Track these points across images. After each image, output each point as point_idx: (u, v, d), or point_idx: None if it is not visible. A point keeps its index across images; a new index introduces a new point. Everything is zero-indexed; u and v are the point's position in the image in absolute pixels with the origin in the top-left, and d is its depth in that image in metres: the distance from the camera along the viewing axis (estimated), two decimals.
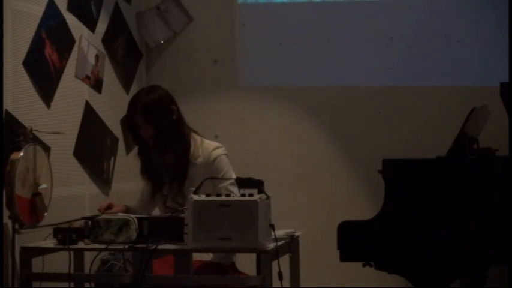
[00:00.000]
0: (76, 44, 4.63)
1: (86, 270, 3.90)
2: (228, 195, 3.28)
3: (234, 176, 3.84)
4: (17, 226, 3.72)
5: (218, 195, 3.28)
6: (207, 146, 3.91)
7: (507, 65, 4.90)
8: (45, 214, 3.85)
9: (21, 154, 3.64)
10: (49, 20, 4.32)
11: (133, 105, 3.88)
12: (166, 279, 3.45)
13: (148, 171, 3.95)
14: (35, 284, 3.60)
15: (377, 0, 5.47)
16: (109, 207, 3.83)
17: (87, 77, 4.78)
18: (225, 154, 3.92)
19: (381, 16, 5.45)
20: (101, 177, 4.87)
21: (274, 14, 5.58)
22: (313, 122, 5.52)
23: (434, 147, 4.63)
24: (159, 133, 3.84)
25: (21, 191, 3.66)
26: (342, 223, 3.95)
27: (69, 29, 4.56)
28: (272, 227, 3.29)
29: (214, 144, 3.94)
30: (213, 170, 3.84)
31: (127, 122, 3.93)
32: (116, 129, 5.10)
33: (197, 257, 3.70)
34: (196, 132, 3.99)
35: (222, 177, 3.83)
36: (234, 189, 3.75)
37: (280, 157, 5.52)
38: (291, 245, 3.66)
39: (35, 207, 3.77)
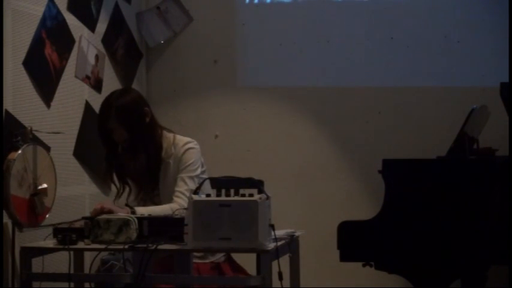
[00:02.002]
0: (76, 44, 4.63)
1: (86, 270, 3.89)
2: (227, 195, 3.27)
3: (198, 171, 3.80)
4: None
5: (218, 195, 3.28)
6: (178, 143, 3.85)
7: (507, 65, 4.90)
8: (47, 216, 3.85)
9: (18, 154, 3.64)
10: (49, 20, 4.32)
11: (105, 108, 3.76)
12: (166, 279, 3.45)
13: (123, 174, 3.87)
14: (35, 284, 3.60)
15: (377, 0, 5.47)
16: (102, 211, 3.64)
17: (87, 77, 4.78)
18: (195, 148, 3.85)
19: (381, 16, 5.45)
20: (101, 177, 4.87)
21: (274, 14, 5.58)
22: (313, 122, 5.52)
23: (434, 147, 4.63)
24: (132, 136, 3.75)
25: (18, 191, 3.66)
26: (341, 223, 3.95)
27: (69, 29, 4.56)
28: (272, 227, 3.29)
29: (186, 139, 3.87)
30: (181, 162, 3.80)
31: (99, 126, 3.79)
32: None
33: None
34: (169, 130, 3.91)
35: (186, 168, 3.79)
36: (189, 184, 3.72)
37: (280, 157, 5.52)
38: (291, 245, 3.66)
39: (34, 207, 3.76)
